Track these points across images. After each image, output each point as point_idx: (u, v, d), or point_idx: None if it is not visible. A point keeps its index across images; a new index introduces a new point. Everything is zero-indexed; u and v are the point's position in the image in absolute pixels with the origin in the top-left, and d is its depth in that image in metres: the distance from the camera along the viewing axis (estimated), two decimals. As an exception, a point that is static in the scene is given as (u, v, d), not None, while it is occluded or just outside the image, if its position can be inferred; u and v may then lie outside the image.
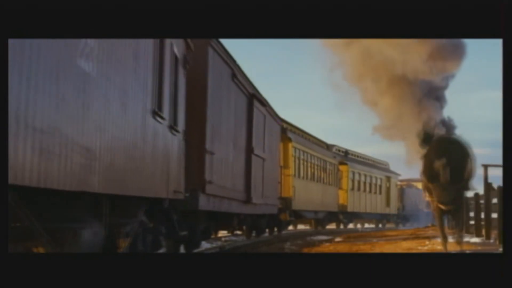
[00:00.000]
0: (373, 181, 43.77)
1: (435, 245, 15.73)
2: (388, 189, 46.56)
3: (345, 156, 39.67)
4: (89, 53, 5.54)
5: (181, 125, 10.81)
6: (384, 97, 14.02)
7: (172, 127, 9.88)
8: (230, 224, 18.06)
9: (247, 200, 17.59)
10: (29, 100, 4.46)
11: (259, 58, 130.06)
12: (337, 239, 24.01)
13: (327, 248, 18.92)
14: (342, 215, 38.38)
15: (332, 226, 38.07)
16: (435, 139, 12.72)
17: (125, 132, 7.18)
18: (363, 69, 14.17)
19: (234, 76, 15.65)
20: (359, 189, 40.80)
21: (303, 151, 29.29)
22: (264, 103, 19.88)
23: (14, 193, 4.49)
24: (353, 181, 39.69)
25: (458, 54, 13.64)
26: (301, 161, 28.91)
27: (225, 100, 15.02)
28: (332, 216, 36.38)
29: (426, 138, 12.99)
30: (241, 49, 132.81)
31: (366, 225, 46.46)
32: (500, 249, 11.04)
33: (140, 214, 8.86)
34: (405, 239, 20.45)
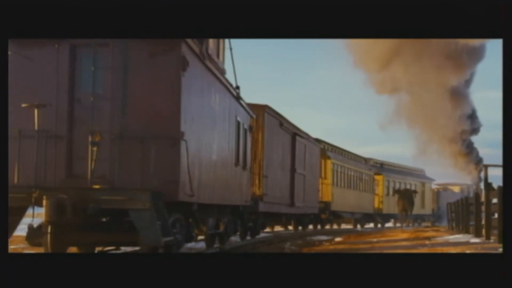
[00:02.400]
0: (408, 187, 51.73)
1: (435, 246, 16.31)
2: (423, 193, 54.58)
3: (381, 168, 48.02)
4: (213, 151, 14.13)
5: (248, 164, 19.37)
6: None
7: (244, 167, 18.44)
8: (280, 220, 26.75)
9: (291, 204, 25.93)
10: (215, 186, 13.11)
11: (259, 58, 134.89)
12: (337, 239, 23.96)
13: (327, 248, 19.09)
14: (379, 216, 46.74)
15: (370, 225, 46.30)
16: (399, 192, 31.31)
17: (225, 174, 15.72)
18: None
19: (281, 124, 24.15)
20: (394, 194, 48.92)
21: (341, 166, 37.67)
22: (304, 136, 28.36)
23: (196, 204, 12.97)
24: (388, 188, 47.92)
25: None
26: (339, 173, 37.31)
27: (275, 141, 23.50)
28: (369, 217, 44.77)
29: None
30: (245, 48, 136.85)
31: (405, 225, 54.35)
32: (500, 249, 11.10)
33: (228, 212, 17.48)
34: (405, 239, 20.58)
